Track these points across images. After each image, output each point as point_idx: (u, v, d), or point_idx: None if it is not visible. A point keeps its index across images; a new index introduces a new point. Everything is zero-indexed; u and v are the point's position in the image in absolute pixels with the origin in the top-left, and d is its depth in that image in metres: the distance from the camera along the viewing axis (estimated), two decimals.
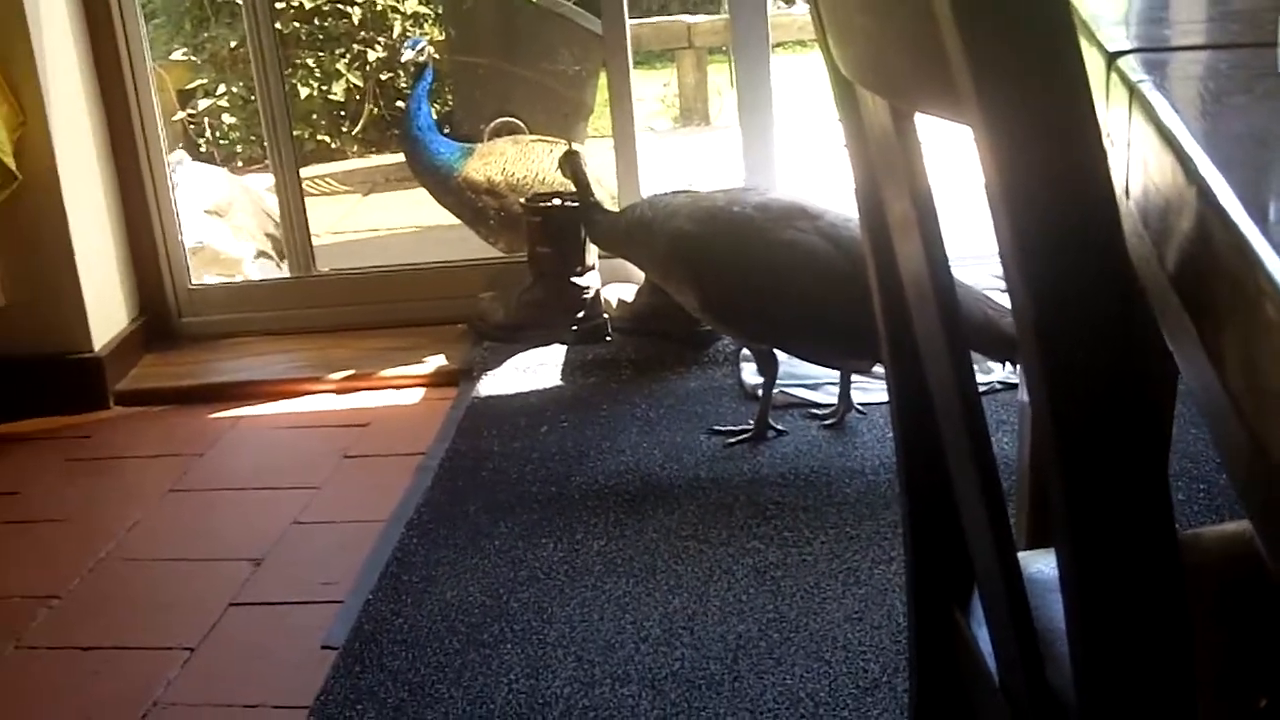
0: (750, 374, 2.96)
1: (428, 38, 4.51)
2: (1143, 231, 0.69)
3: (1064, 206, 0.61)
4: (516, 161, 3.67)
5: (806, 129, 4.50)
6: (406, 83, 5.90)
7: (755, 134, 3.45)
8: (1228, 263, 0.53)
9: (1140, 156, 0.70)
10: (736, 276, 2.65)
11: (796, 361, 2.90)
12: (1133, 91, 0.72)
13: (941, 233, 0.89)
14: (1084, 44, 0.87)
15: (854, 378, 2.80)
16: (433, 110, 3.80)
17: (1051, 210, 0.62)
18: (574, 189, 3.04)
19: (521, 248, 3.45)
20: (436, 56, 4.35)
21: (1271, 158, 0.62)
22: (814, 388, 2.90)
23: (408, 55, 3.85)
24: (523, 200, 3.39)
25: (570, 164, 3.09)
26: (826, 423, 2.77)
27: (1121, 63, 0.78)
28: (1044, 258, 0.63)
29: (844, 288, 2.53)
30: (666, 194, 2.84)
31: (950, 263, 0.90)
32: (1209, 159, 0.59)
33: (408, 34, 5.82)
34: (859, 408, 2.79)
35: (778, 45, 4.77)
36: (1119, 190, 0.74)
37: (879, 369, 2.75)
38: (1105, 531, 0.68)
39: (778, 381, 2.78)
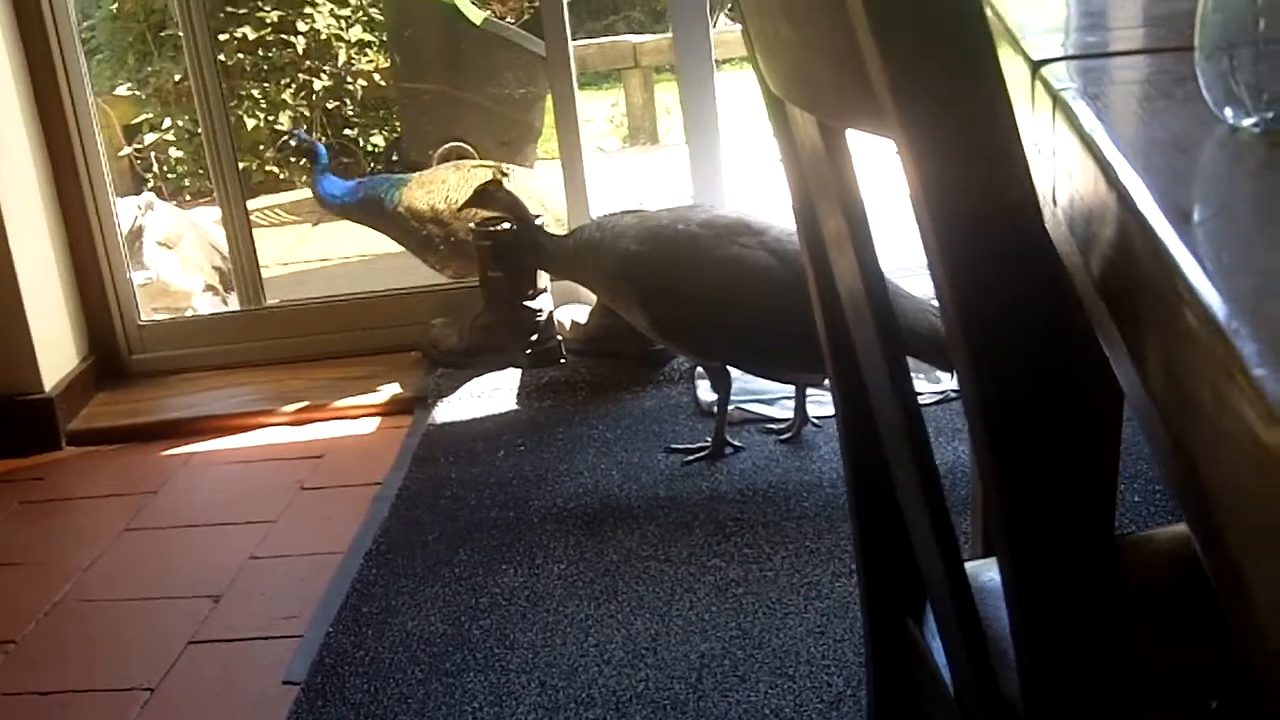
0: (705, 391, 2.96)
1: (303, 128, 4.48)
2: (1070, 239, 0.69)
3: (985, 215, 0.61)
4: (458, 188, 3.67)
5: (754, 145, 4.51)
6: (354, 110, 5.90)
7: (702, 151, 3.45)
8: (1147, 269, 0.53)
9: (1065, 164, 0.70)
10: (685, 294, 2.65)
11: (751, 377, 2.90)
12: (1056, 99, 0.73)
13: (875, 247, 0.89)
14: (1009, 52, 0.87)
15: (809, 391, 2.81)
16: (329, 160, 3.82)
17: (973, 220, 0.62)
18: (519, 219, 3.00)
19: (471, 273, 3.45)
20: (323, 139, 4.39)
21: (1191, 163, 0.62)
22: (770, 402, 2.90)
23: (292, 143, 3.89)
24: (472, 225, 3.39)
25: (493, 198, 3.05)
26: (782, 437, 2.77)
27: (1045, 71, 0.78)
28: (968, 267, 0.63)
29: (791, 301, 2.53)
30: (614, 215, 2.84)
31: (885, 276, 0.90)
32: (1129, 165, 0.59)
33: (352, 61, 5.81)
34: (814, 421, 2.79)
35: (724, 62, 4.78)
36: (1046, 198, 0.74)
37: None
38: (1042, 538, 0.68)
39: (732, 397, 2.78)
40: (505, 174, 3.55)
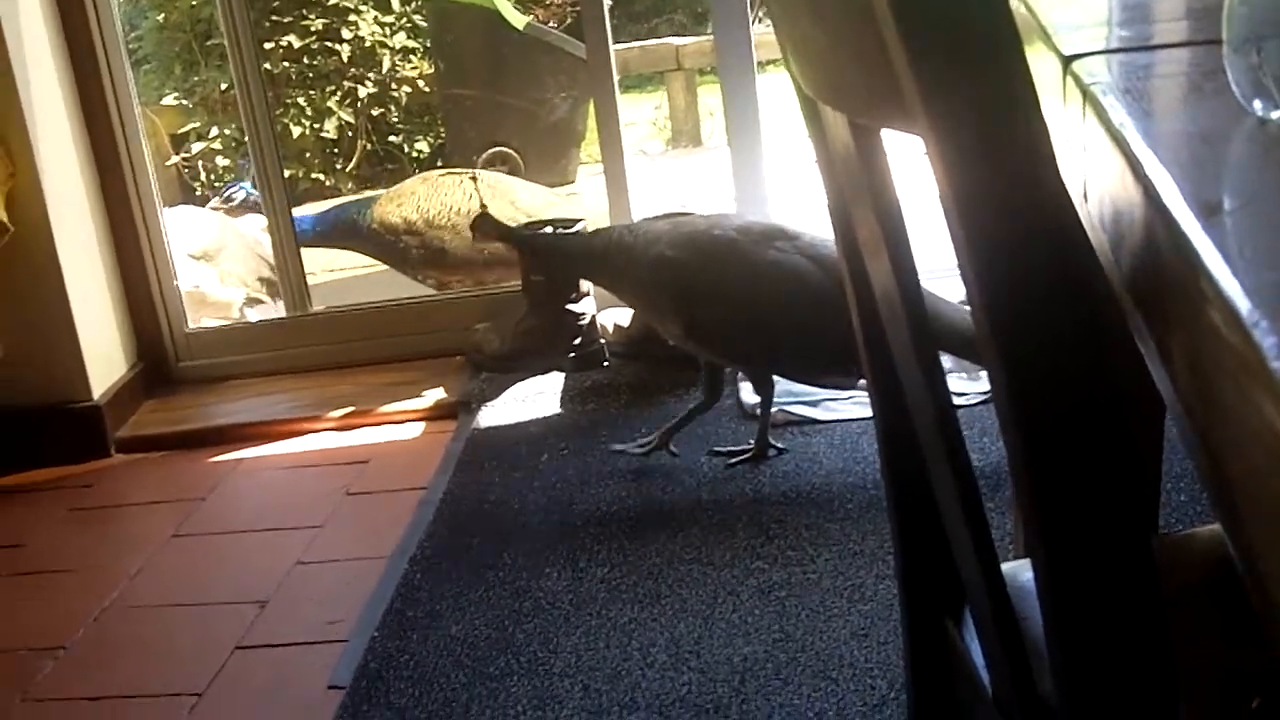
0: (748, 393, 2.95)
1: (248, 180, 4.49)
2: (1101, 236, 0.69)
3: (1013, 214, 0.61)
4: (428, 198, 3.72)
5: (796, 147, 4.50)
6: (399, 116, 5.93)
7: (744, 154, 3.45)
8: (1172, 266, 0.52)
9: (1095, 160, 0.69)
10: (724, 299, 2.63)
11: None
12: (1086, 94, 0.72)
13: (910, 249, 0.89)
14: (1041, 49, 0.87)
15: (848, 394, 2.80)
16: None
17: (1001, 218, 0.61)
18: (509, 239, 2.97)
19: (452, 281, 3.48)
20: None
21: (1218, 156, 0.62)
22: (814, 404, 2.90)
23: (239, 198, 3.97)
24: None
25: (488, 227, 3.05)
26: (733, 462, 2.74)
27: (1076, 66, 0.77)
28: (997, 267, 0.63)
29: (830, 305, 2.53)
30: (646, 219, 2.83)
31: (919, 278, 0.89)
32: (1156, 159, 0.59)
33: (396, 67, 5.84)
34: (777, 446, 2.76)
35: (767, 64, 4.78)
36: (1077, 195, 0.73)
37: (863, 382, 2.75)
38: (1076, 540, 0.67)
39: (776, 400, 2.77)
40: (475, 179, 3.59)
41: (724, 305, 2.64)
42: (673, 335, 2.71)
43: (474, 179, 3.67)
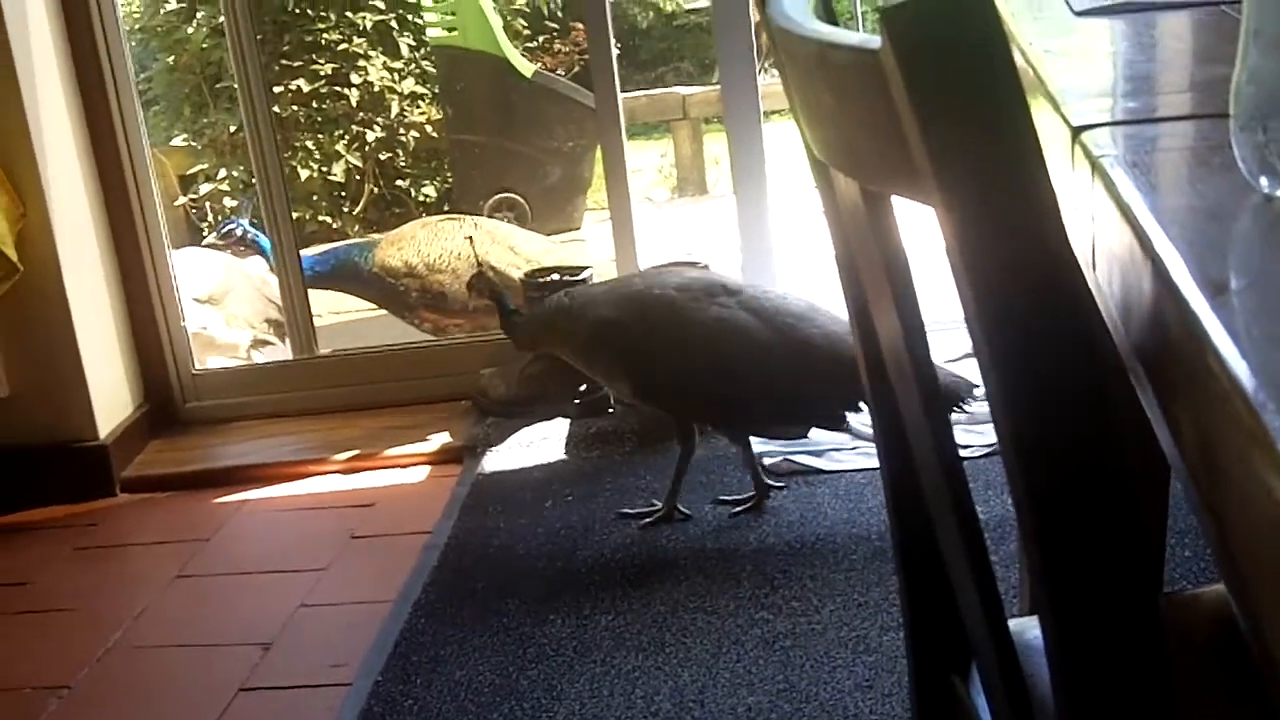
0: (755, 442, 2.96)
1: (246, 218, 4.51)
2: (1108, 301, 0.70)
3: (1020, 279, 0.63)
4: (429, 242, 3.76)
5: (802, 195, 4.53)
6: (406, 161, 5.97)
7: (749, 202, 3.47)
8: (1179, 338, 0.54)
9: (1103, 229, 0.71)
10: (668, 359, 2.65)
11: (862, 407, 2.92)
12: (1094, 165, 0.74)
13: (918, 305, 0.90)
14: (1051, 116, 0.89)
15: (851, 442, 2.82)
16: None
17: (1009, 283, 0.63)
18: (498, 304, 2.99)
19: (450, 328, 3.50)
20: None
21: (1225, 232, 0.63)
22: (818, 454, 2.91)
23: (238, 232, 4.00)
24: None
25: (482, 285, 3.08)
26: (644, 522, 2.74)
27: (1085, 137, 0.79)
28: (1005, 332, 0.64)
29: (774, 358, 2.57)
30: (583, 286, 2.86)
31: (926, 334, 0.91)
32: (1164, 233, 0.60)
33: (404, 113, 5.88)
34: (776, 484, 2.79)
35: (772, 113, 4.81)
36: (1085, 261, 0.75)
37: (863, 426, 2.77)
38: (1083, 600, 0.69)
39: (780, 447, 2.79)
40: (472, 235, 3.63)
41: (669, 364, 2.66)
42: (624, 396, 2.72)
43: (470, 239, 3.71)
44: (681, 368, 2.65)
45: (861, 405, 2.58)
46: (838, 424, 2.67)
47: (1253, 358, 0.46)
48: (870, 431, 2.82)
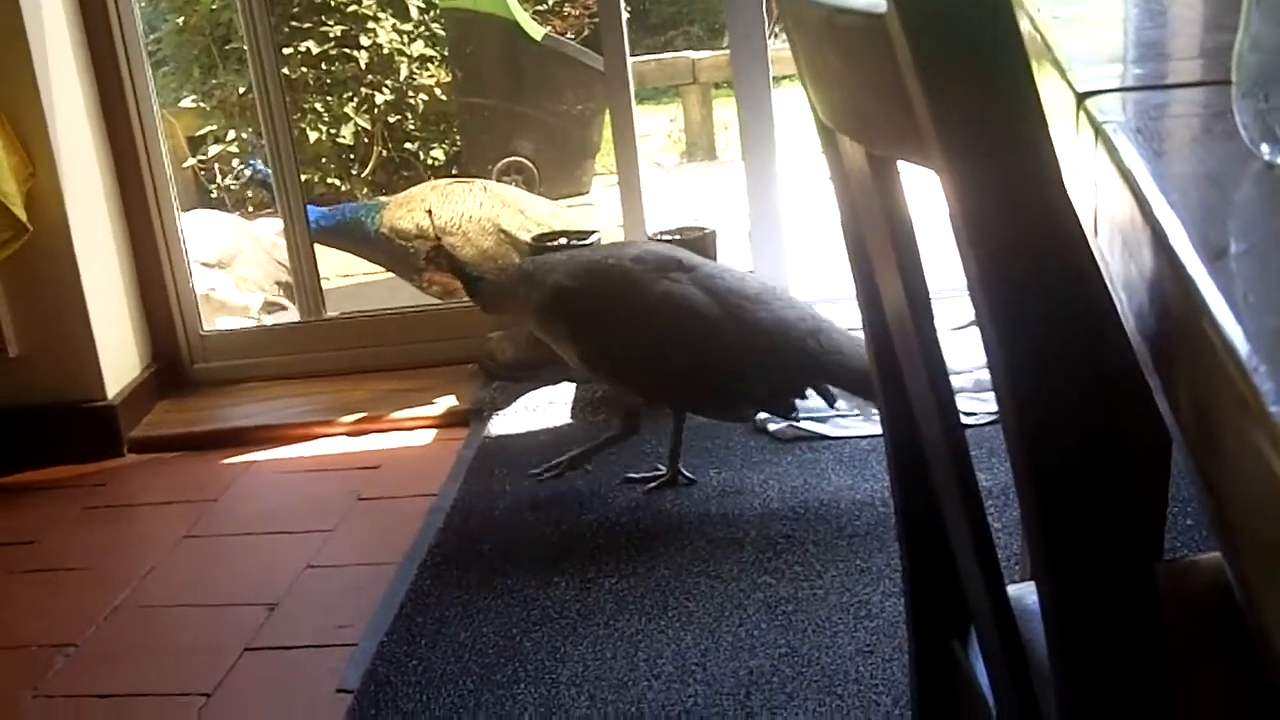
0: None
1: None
2: (1109, 268, 0.70)
3: (1022, 245, 0.63)
4: (440, 204, 3.75)
5: (810, 161, 4.52)
6: (415, 124, 5.96)
7: (758, 167, 3.47)
8: (1177, 306, 0.54)
9: (1105, 195, 0.71)
10: (615, 328, 2.67)
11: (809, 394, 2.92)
12: (1098, 132, 0.74)
13: (923, 272, 0.91)
14: (1057, 82, 0.89)
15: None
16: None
17: (1010, 250, 0.63)
18: (459, 274, 2.99)
19: (456, 291, 3.50)
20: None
21: (1226, 199, 0.64)
22: (823, 420, 2.91)
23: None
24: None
25: (440, 258, 3.07)
26: (649, 487, 2.77)
27: (1090, 103, 0.79)
28: (1008, 298, 0.64)
29: (720, 338, 2.57)
30: (546, 255, 2.88)
31: (931, 301, 0.91)
32: (1164, 200, 0.60)
33: (413, 75, 5.86)
34: (686, 476, 2.78)
35: (782, 78, 4.80)
36: (1088, 226, 0.75)
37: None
38: (1080, 567, 0.69)
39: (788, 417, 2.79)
40: (431, 209, 3.63)
41: (614, 334, 2.68)
42: (573, 362, 2.74)
43: (430, 213, 3.71)
44: (626, 339, 2.67)
45: (808, 392, 2.59)
46: (783, 409, 2.67)
47: (1248, 323, 0.47)
48: (820, 418, 2.85)
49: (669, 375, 2.67)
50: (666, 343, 2.63)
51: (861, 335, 2.55)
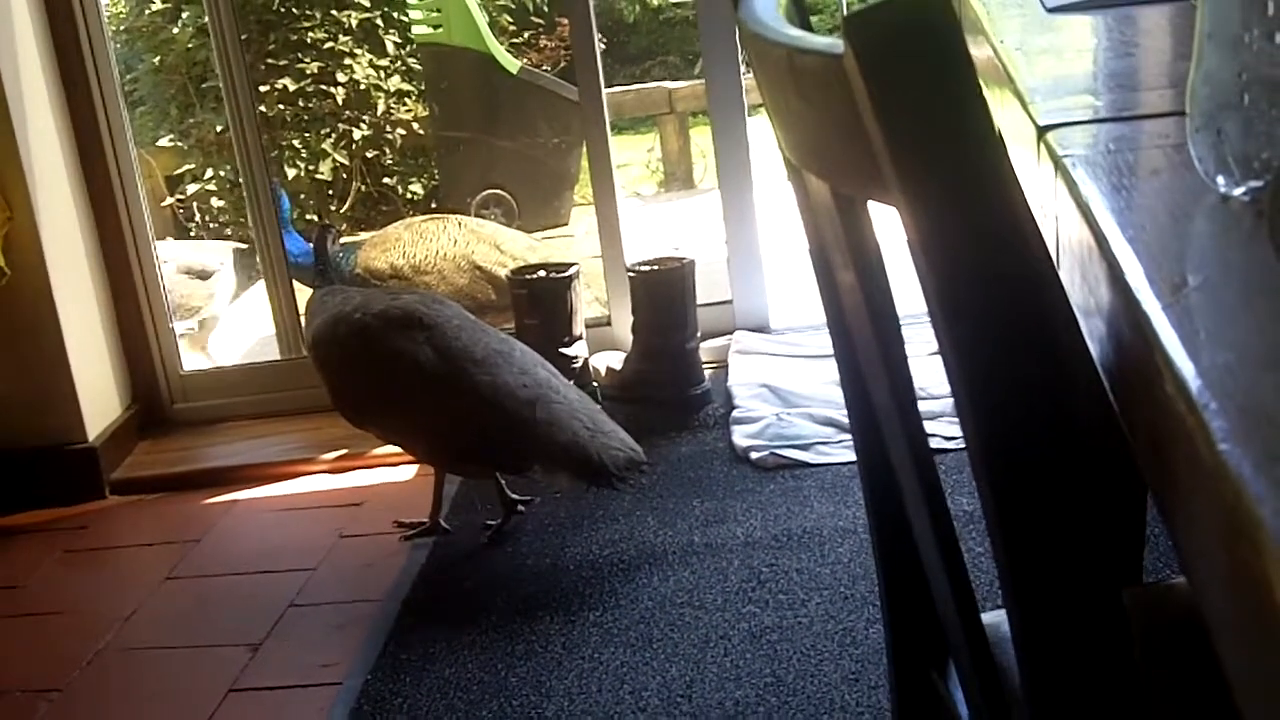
0: (741, 437, 2.97)
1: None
2: (1072, 300, 0.71)
3: (983, 282, 0.63)
4: (414, 244, 3.76)
5: (787, 189, 4.53)
6: (393, 158, 5.96)
7: (734, 195, 3.48)
8: (1131, 340, 0.54)
9: (1065, 229, 0.72)
10: (351, 380, 2.76)
11: (788, 421, 2.93)
12: (1058, 164, 0.75)
13: (891, 300, 0.91)
14: (1019, 114, 0.90)
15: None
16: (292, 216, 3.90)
17: (974, 296, 0.63)
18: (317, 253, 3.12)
19: None
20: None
21: (1182, 233, 0.64)
22: (805, 448, 2.92)
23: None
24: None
25: (317, 235, 3.22)
26: (407, 535, 2.82)
27: (1050, 136, 0.80)
28: (968, 334, 0.65)
29: (434, 399, 2.63)
30: (343, 290, 2.94)
31: (901, 329, 0.91)
32: (1120, 234, 0.61)
33: (391, 110, 5.87)
34: (520, 508, 2.82)
35: (757, 107, 4.82)
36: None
37: None
38: (1047, 594, 0.69)
39: (768, 443, 2.79)
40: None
41: (350, 385, 2.77)
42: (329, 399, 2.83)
43: (459, 225, 3.72)
44: (371, 395, 2.75)
45: (527, 459, 2.60)
46: (515, 470, 2.68)
47: (1201, 359, 0.47)
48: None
49: (411, 432, 2.75)
50: (398, 403, 2.70)
51: (595, 406, 2.61)
